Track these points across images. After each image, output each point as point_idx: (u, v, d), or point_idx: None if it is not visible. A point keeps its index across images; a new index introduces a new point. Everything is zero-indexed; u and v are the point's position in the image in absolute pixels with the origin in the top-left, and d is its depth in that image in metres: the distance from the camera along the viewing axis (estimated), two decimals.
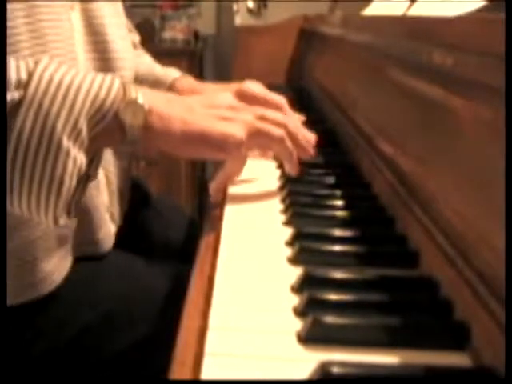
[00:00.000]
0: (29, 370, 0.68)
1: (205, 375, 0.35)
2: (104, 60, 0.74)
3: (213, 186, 0.69)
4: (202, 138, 0.57)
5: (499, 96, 0.42)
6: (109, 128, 0.53)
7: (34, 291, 0.65)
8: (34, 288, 0.65)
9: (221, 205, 0.66)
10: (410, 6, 0.88)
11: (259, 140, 0.63)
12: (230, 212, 0.63)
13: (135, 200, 0.92)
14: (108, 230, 0.77)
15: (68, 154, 0.50)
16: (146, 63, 1.01)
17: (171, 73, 0.99)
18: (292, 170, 0.69)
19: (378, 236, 0.58)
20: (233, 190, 0.71)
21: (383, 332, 0.40)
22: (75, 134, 0.51)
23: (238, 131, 0.58)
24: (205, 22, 2.77)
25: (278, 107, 0.90)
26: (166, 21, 2.67)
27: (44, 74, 0.51)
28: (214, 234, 0.59)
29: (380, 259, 0.53)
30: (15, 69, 0.50)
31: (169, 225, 0.97)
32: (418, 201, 0.57)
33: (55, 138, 0.50)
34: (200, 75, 2.65)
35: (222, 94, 0.65)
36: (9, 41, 0.58)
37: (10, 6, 0.58)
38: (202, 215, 0.66)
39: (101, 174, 0.73)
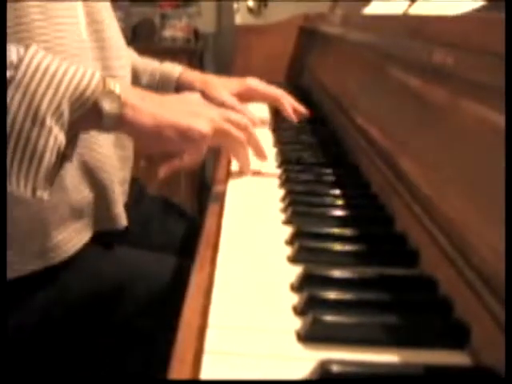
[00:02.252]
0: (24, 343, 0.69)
1: (204, 373, 0.35)
2: (105, 58, 0.75)
3: (163, 169, 0.73)
4: (171, 130, 0.63)
5: (499, 95, 0.42)
6: (87, 114, 0.58)
7: (45, 259, 0.68)
8: (44, 256, 0.68)
9: (221, 203, 0.66)
10: (409, 5, 0.88)
11: (220, 138, 0.69)
12: (230, 210, 0.63)
13: (134, 198, 0.93)
14: (122, 207, 0.79)
15: (50, 131, 0.55)
16: (139, 58, 1.02)
17: (174, 67, 1.00)
18: (245, 168, 0.75)
19: (378, 235, 0.58)
20: (233, 188, 0.71)
21: (383, 331, 0.40)
22: (58, 115, 0.55)
23: (203, 126, 0.65)
24: (205, 20, 2.76)
25: (276, 100, 1.02)
26: (166, 19, 2.66)
27: (33, 60, 0.55)
28: (213, 232, 0.59)
29: (380, 258, 0.53)
30: (7, 51, 0.55)
31: (168, 223, 0.97)
32: (418, 200, 0.57)
33: (40, 115, 0.54)
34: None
35: (191, 94, 0.72)
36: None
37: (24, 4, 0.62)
38: (202, 214, 0.66)
39: (106, 162, 0.76)
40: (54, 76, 0.56)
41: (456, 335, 0.40)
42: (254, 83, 1.02)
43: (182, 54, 2.53)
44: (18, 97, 0.54)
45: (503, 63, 0.40)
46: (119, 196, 0.79)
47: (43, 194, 0.57)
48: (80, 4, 0.71)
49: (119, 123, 0.60)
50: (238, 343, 0.39)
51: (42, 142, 0.55)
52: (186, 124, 0.63)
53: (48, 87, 0.55)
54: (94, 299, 0.71)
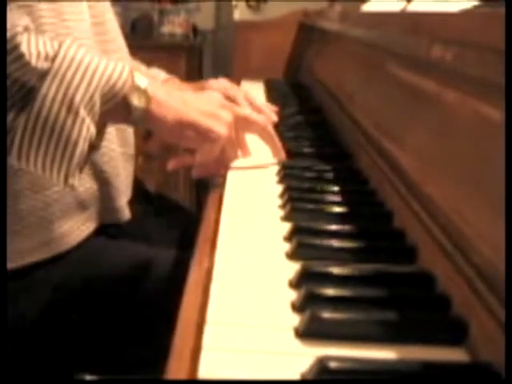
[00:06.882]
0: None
1: (202, 369, 0.35)
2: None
3: (172, 163, 0.76)
4: (191, 129, 0.66)
5: (499, 91, 0.41)
6: (117, 107, 0.62)
7: (52, 248, 0.69)
8: (51, 244, 0.69)
9: (219, 199, 0.66)
10: (407, 4, 0.88)
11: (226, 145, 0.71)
12: (229, 206, 0.63)
13: (133, 194, 0.92)
14: (125, 201, 0.81)
15: (83, 121, 0.58)
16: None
17: (159, 74, 1.00)
18: (219, 169, 0.74)
19: (376, 231, 0.58)
20: (231, 184, 0.71)
21: (381, 327, 0.40)
22: (90, 106, 0.59)
23: (222, 130, 0.67)
24: (204, 16, 2.76)
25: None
26: (164, 15, 2.66)
27: (68, 52, 0.59)
28: (212, 228, 0.59)
29: (378, 254, 0.53)
30: (43, 44, 0.58)
31: (167, 219, 0.97)
32: (417, 196, 0.56)
33: (74, 106, 0.58)
34: (199, 70, 2.64)
35: (213, 93, 0.76)
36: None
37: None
38: (200, 210, 0.67)
39: (110, 156, 0.77)
40: (87, 69, 0.59)
41: (454, 331, 0.40)
42: (212, 83, 1.01)
43: (181, 50, 2.53)
44: (53, 88, 0.57)
45: (503, 59, 0.40)
46: (123, 190, 0.80)
47: (74, 181, 0.60)
48: (85, 4, 0.73)
49: (145, 118, 0.63)
50: (236, 340, 0.39)
51: (76, 130, 0.58)
52: (207, 126, 0.66)
53: (82, 79, 0.58)
54: (97, 289, 0.72)
